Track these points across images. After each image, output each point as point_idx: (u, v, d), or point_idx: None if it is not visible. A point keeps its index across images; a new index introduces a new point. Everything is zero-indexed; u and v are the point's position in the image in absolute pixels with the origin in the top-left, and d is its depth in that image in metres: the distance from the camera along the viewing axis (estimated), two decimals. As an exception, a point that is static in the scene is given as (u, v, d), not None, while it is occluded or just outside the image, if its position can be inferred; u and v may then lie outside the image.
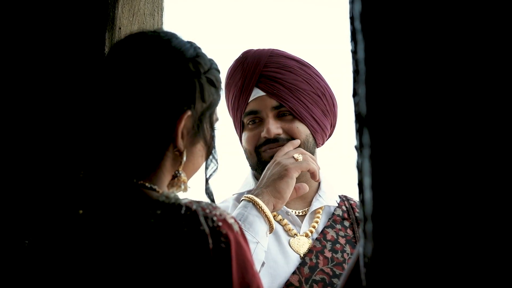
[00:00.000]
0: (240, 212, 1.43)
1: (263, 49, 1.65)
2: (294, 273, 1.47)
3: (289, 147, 1.56)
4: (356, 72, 0.70)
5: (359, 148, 0.69)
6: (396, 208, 0.61)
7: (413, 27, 0.63)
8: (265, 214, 1.42)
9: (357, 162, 0.72)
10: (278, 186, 1.46)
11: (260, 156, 1.60)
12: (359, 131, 0.69)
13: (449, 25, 0.62)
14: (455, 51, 0.62)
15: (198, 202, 0.89)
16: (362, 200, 0.69)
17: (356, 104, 0.70)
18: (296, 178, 1.51)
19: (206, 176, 1.06)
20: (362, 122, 0.67)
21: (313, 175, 1.55)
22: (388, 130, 0.62)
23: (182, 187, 1.00)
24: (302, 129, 1.59)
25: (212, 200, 1.06)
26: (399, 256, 0.60)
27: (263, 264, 1.42)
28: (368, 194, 0.63)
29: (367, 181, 0.63)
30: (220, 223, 0.86)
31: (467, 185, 0.60)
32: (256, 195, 1.45)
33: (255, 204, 1.43)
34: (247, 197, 1.46)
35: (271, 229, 1.44)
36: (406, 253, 0.60)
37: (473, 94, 0.61)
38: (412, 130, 0.62)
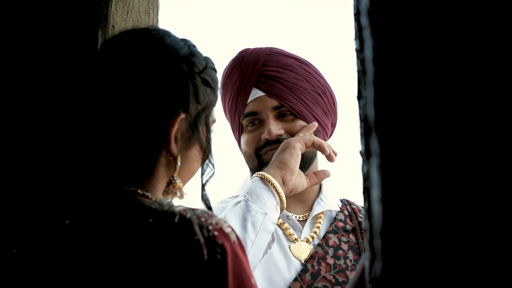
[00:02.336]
0: (248, 186, 1.43)
1: (261, 48, 1.62)
2: (295, 280, 1.45)
3: (304, 132, 1.54)
4: (361, 72, 0.65)
5: (366, 155, 0.64)
6: (408, 224, 0.55)
7: (427, 23, 0.58)
8: (274, 187, 1.42)
9: (362, 169, 0.67)
10: (281, 158, 1.46)
11: (261, 158, 1.57)
12: (365, 136, 0.65)
13: (468, 22, 0.57)
14: (473, 50, 0.57)
15: (193, 210, 0.85)
16: (368, 211, 0.64)
17: (362, 107, 0.66)
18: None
19: (202, 181, 1.02)
20: (369, 127, 0.62)
21: (321, 149, 1.52)
22: (400, 137, 0.57)
23: (178, 194, 0.96)
24: None
25: (209, 207, 1.01)
26: (411, 277, 0.55)
27: (273, 238, 1.41)
28: (376, 208, 0.58)
29: (376, 194, 0.58)
30: (216, 233, 0.82)
31: (490, 203, 0.54)
32: (263, 170, 1.46)
33: (262, 178, 1.43)
34: (256, 174, 1.46)
35: (282, 206, 1.43)
36: (419, 273, 0.55)
37: (496, 94, 0.56)
38: (426, 137, 0.57)
